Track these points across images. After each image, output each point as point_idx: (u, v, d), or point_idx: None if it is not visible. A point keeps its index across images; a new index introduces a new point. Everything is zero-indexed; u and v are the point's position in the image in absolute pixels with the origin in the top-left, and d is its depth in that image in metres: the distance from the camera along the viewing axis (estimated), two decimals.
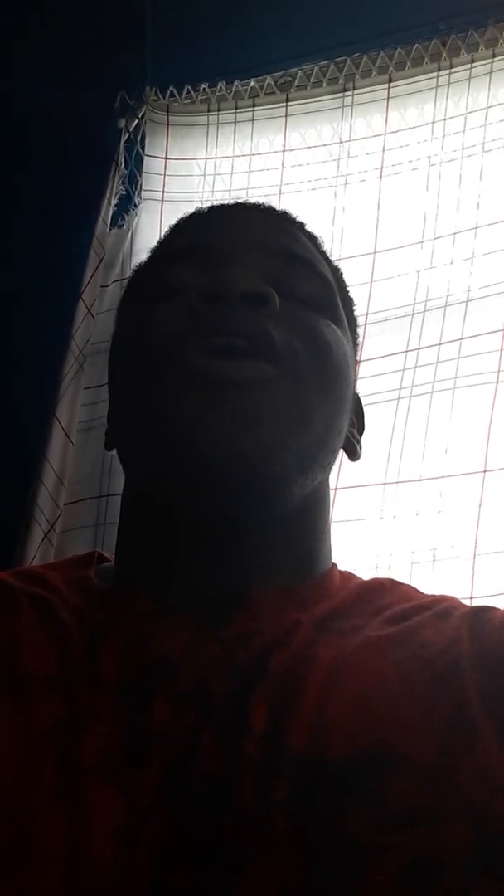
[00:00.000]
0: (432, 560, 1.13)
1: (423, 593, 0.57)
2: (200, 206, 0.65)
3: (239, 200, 0.66)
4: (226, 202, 0.66)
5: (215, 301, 0.52)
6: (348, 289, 0.66)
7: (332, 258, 0.65)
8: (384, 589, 0.56)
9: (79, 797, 0.43)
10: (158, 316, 0.54)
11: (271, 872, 0.40)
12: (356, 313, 0.67)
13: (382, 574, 1.11)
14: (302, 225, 0.64)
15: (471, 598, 1.08)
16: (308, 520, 0.57)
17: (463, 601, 0.55)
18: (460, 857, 0.40)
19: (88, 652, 0.49)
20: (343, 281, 0.65)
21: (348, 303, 0.65)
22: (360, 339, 0.68)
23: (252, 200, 0.65)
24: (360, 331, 0.68)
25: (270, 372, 0.51)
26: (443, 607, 0.53)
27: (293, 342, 0.53)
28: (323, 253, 0.64)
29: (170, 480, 0.51)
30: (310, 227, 0.64)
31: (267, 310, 0.53)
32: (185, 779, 0.43)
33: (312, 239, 0.63)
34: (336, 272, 0.64)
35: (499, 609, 0.52)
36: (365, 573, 0.60)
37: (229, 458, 0.48)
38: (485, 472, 1.14)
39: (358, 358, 0.67)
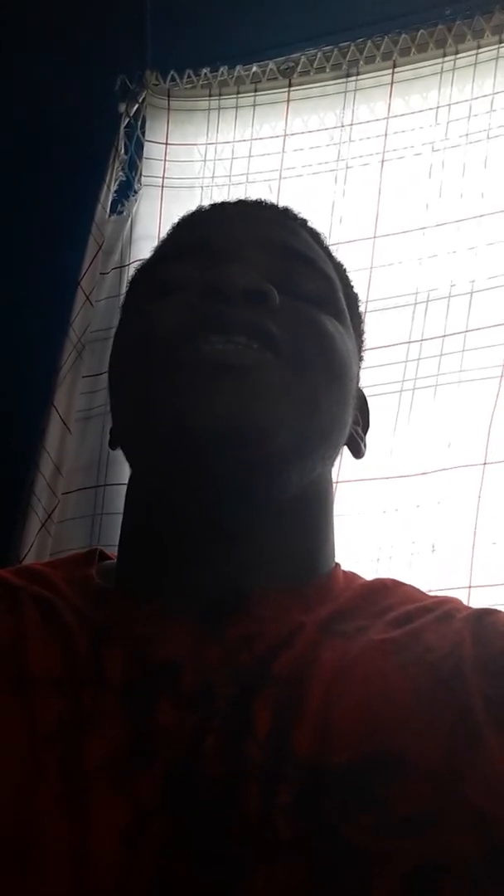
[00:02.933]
0: (431, 550, 1.13)
1: (425, 594, 0.57)
2: (200, 192, 0.65)
3: (236, 190, 0.66)
4: (226, 196, 0.65)
5: (214, 297, 0.52)
6: (352, 285, 0.65)
7: (332, 243, 0.65)
8: (387, 590, 0.56)
9: (82, 799, 0.43)
10: (157, 313, 0.54)
11: (275, 877, 0.40)
12: (361, 310, 0.66)
13: (382, 566, 1.11)
14: (304, 221, 0.63)
15: (469, 587, 1.07)
16: (307, 516, 0.56)
17: (461, 591, 0.54)
18: (466, 864, 0.40)
19: (92, 653, 0.49)
20: (347, 277, 0.65)
21: (352, 299, 0.64)
22: (364, 334, 0.68)
23: (250, 189, 0.65)
24: (364, 327, 0.67)
25: (270, 358, 0.51)
26: (445, 609, 0.52)
27: (294, 337, 0.53)
28: (326, 249, 0.63)
29: (167, 461, 0.51)
30: (312, 224, 0.64)
31: (266, 306, 0.52)
32: (189, 781, 0.43)
33: (315, 235, 0.63)
34: (339, 268, 0.64)
35: (501, 612, 0.52)
36: (365, 565, 0.60)
37: (226, 433, 0.48)
38: (485, 464, 1.13)
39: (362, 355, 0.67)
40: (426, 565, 1.12)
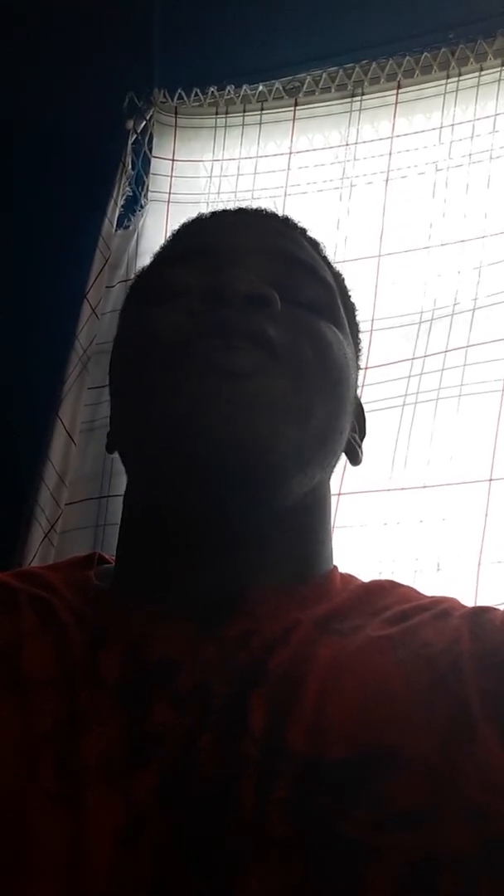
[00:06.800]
0: (436, 569, 1.13)
1: (422, 594, 0.57)
2: (206, 207, 0.65)
3: (242, 205, 0.66)
4: (229, 207, 0.66)
5: (216, 302, 0.52)
6: (350, 294, 0.66)
7: (336, 261, 0.65)
8: (384, 590, 0.56)
9: (78, 799, 0.43)
10: (158, 317, 0.54)
11: (270, 873, 0.40)
12: (358, 319, 0.66)
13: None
14: (304, 230, 0.64)
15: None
16: (306, 520, 0.56)
17: None
18: (461, 858, 0.40)
19: (88, 654, 0.49)
20: (345, 286, 0.65)
21: (350, 308, 0.64)
22: (364, 345, 0.68)
23: (255, 205, 0.65)
24: (363, 337, 0.68)
25: (270, 363, 0.51)
26: (442, 608, 0.53)
27: (294, 343, 0.53)
28: (325, 258, 0.64)
29: (166, 468, 0.51)
30: (311, 233, 0.64)
31: (268, 311, 0.52)
32: (185, 780, 0.43)
33: (314, 244, 0.63)
34: (338, 277, 0.64)
35: (498, 609, 0.52)
36: (367, 579, 0.60)
37: (225, 443, 0.48)
38: (490, 480, 1.13)
39: (362, 364, 0.67)
40: (430, 583, 1.12)
